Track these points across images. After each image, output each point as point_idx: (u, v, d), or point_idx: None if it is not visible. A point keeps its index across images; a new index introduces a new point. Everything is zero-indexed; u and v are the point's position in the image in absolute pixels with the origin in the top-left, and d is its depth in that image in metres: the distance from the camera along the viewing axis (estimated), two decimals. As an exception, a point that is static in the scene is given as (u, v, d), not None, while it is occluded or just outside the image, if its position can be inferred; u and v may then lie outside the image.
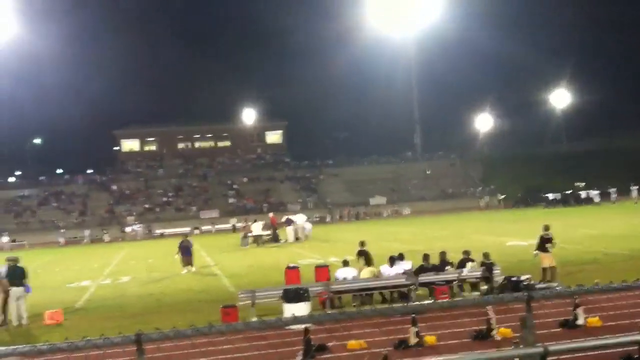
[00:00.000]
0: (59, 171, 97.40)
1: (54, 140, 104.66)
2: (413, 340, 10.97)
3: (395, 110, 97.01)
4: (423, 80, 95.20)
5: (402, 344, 10.96)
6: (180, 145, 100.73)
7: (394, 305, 13.86)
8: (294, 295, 13.77)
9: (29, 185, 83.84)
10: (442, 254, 17.35)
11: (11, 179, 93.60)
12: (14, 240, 60.66)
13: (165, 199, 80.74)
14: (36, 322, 16.09)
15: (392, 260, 16.88)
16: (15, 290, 16.09)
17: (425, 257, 17.13)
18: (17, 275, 16.29)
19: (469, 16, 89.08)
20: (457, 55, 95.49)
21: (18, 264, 16.77)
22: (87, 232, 64.31)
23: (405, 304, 9.86)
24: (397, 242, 31.49)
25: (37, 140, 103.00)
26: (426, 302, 13.07)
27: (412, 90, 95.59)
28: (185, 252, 26.96)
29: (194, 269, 26.60)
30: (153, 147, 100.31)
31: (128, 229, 64.18)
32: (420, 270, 16.39)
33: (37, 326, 15.71)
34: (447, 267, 16.79)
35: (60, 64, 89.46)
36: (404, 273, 16.24)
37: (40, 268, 32.51)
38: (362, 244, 18.96)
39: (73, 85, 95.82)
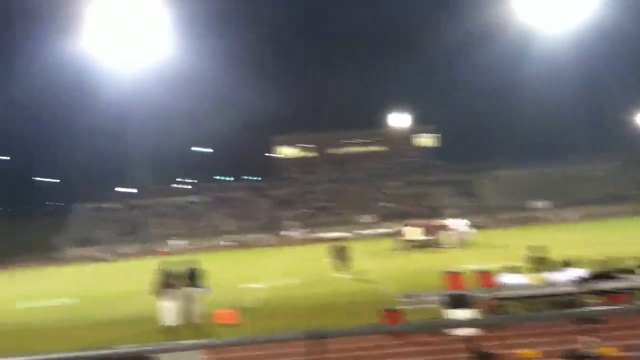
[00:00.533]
0: (221, 178, 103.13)
1: (219, 149, 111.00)
2: (589, 350, 10.38)
3: (555, 109, 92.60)
4: (584, 77, 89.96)
5: (574, 354, 10.40)
6: (336, 151, 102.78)
7: (571, 310, 13.16)
8: (459, 300, 13.50)
9: (196, 191, 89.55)
10: (615, 261, 16.25)
11: (181, 186, 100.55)
12: (187, 242, 64.93)
13: (321, 204, 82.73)
14: (209, 321, 17.07)
15: (562, 267, 16.09)
16: (192, 291, 17.22)
17: (600, 263, 16.17)
18: (195, 277, 17.44)
19: (630, 7, 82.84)
20: (621, 49, 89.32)
21: (195, 266, 17.93)
22: (251, 236, 67.39)
23: (582, 309, 9.36)
24: (565, 247, 29.97)
25: (206, 149, 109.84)
26: (605, 307, 12.30)
27: (574, 89, 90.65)
28: (339, 256, 27.36)
29: (349, 274, 26.88)
30: (310, 154, 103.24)
31: (286, 233, 66.41)
32: (594, 277, 15.47)
33: (210, 325, 16.66)
34: (623, 275, 15.71)
35: (224, 76, 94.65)
36: (575, 280, 15.42)
37: (210, 270, 34.47)
38: (533, 249, 18.25)
39: (236, 95, 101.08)
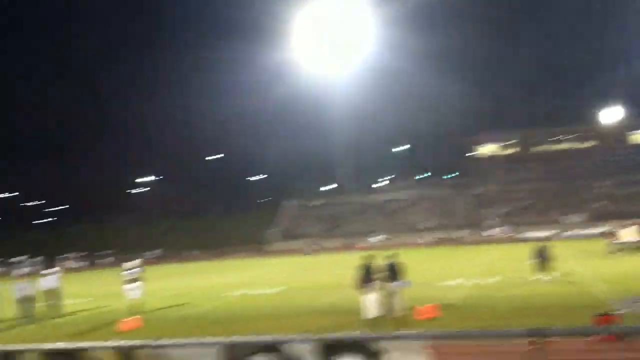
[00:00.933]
0: (425, 175, 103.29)
1: (419, 146, 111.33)
2: None
3: None
4: None
5: None
6: (541, 148, 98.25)
7: None
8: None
9: (397, 188, 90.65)
10: None
11: (382, 184, 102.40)
12: (386, 238, 66.09)
13: (525, 202, 79.52)
14: (409, 315, 17.20)
15: None
16: (393, 285, 17.49)
17: None
18: (395, 271, 17.69)
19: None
20: None
21: (395, 261, 18.17)
22: (451, 234, 66.78)
23: None
24: None
25: (405, 147, 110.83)
26: None
27: None
28: (542, 256, 25.99)
29: (550, 276, 25.41)
30: (513, 150, 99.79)
31: (488, 232, 64.66)
32: None
33: (410, 319, 16.79)
34: None
35: (425, 74, 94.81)
36: None
37: (410, 266, 34.63)
38: None
39: (435, 93, 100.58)
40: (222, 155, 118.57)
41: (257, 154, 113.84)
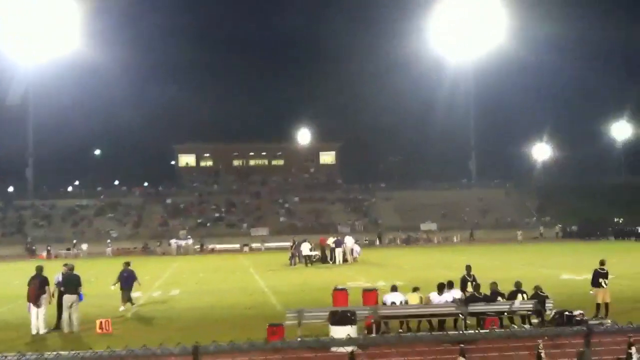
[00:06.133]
0: (117, 183, 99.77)
1: (113, 152, 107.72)
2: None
3: (450, 136, 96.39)
4: (481, 106, 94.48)
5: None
6: (236, 162, 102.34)
7: (448, 332, 13.59)
8: (341, 317, 13.68)
9: (87, 195, 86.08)
10: (493, 284, 16.86)
11: (70, 189, 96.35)
12: (68, 249, 62.27)
13: (217, 214, 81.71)
14: (87, 330, 16.41)
15: (442, 288, 16.66)
16: (68, 297, 16.51)
17: (476, 286, 16.84)
18: (72, 283, 16.72)
19: (528, 43, 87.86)
20: (516, 82, 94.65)
21: (73, 272, 17.21)
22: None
23: (459, 332, 9.67)
24: (446, 269, 31.03)
25: (97, 152, 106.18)
26: (481, 330, 12.78)
27: (469, 117, 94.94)
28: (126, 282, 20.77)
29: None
30: (209, 163, 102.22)
31: (173, 242, 63.31)
32: (471, 299, 16.08)
33: (87, 334, 16.02)
34: (498, 298, 16.40)
35: (121, 77, 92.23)
36: (453, 301, 15.99)
37: (93, 277, 33.12)
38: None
39: (133, 98, 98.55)
40: None
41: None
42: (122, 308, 20.15)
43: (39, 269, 16.84)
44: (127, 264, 21.14)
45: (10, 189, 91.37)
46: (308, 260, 39.73)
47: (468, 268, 18.45)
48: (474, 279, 17.80)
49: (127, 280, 20.47)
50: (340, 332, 12.79)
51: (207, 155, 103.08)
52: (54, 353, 4.17)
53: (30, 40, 77.63)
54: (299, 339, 11.79)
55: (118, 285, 20.65)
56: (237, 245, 64.67)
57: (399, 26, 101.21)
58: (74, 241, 65.50)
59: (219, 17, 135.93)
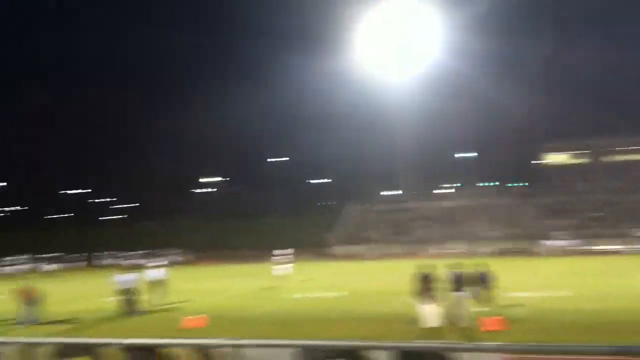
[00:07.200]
0: (488, 184, 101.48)
1: (485, 153, 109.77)
2: None
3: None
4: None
5: None
6: (613, 158, 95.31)
7: None
8: None
9: (459, 197, 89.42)
10: None
11: (444, 191, 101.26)
12: (448, 248, 65.10)
13: (594, 214, 77.07)
14: (474, 327, 17.00)
15: None
16: (456, 295, 17.39)
17: None
18: (460, 281, 17.62)
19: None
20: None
21: (460, 270, 18.08)
22: (514, 244, 65.14)
23: None
24: None
25: (471, 154, 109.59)
26: None
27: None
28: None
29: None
30: (584, 160, 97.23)
31: (552, 243, 61.91)
32: None
33: (477, 331, 16.59)
34: None
35: (491, 79, 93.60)
36: None
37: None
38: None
39: (501, 99, 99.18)
40: (287, 159, 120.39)
41: (321, 157, 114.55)
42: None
43: (425, 267, 17.99)
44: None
45: (387, 192, 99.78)
46: None
47: None
48: None
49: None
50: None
51: (582, 152, 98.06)
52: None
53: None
54: None
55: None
56: (617, 247, 60.37)
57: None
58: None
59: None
